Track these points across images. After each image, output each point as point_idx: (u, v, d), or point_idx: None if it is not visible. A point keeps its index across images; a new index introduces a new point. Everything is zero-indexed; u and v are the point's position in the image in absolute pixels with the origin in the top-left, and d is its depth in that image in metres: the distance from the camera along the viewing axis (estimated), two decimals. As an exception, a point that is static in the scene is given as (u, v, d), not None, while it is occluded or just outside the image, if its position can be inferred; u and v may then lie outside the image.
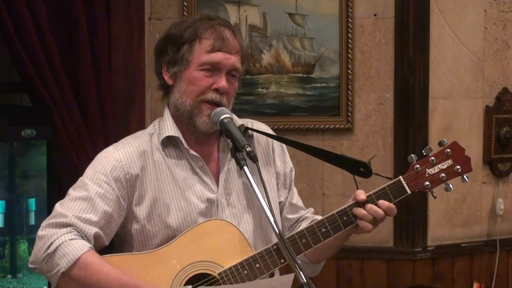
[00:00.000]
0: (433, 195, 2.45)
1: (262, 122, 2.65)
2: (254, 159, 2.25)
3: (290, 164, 2.64)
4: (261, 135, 2.56)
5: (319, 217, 2.47)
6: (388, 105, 3.99)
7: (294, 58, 3.98)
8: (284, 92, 3.99)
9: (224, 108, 2.41)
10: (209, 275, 2.36)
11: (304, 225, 2.54)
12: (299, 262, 2.28)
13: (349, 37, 3.94)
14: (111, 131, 3.64)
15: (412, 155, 2.44)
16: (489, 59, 4.10)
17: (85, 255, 2.31)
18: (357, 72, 3.97)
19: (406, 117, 3.97)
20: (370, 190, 2.41)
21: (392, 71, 3.98)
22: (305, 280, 2.10)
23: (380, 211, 2.39)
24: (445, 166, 2.43)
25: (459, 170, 2.43)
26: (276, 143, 2.61)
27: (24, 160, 3.90)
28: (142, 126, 3.73)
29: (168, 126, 2.47)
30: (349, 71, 3.95)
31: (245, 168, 2.25)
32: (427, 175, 2.42)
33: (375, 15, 3.97)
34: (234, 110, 2.48)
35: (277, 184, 2.59)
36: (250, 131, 2.52)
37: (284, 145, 2.62)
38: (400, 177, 2.43)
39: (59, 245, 2.31)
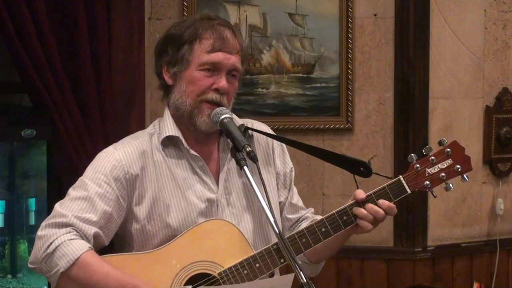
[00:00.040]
0: (433, 194, 2.44)
1: (262, 122, 2.65)
2: (254, 159, 2.25)
3: (290, 164, 2.63)
4: (261, 135, 2.56)
5: (319, 217, 2.47)
6: (388, 105, 3.99)
7: (294, 58, 3.98)
8: (284, 92, 3.99)
9: (224, 108, 2.41)
10: (209, 275, 2.36)
11: (304, 225, 2.53)
12: (299, 262, 2.28)
13: (349, 37, 3.93)
14: (111, 131, 3.64)
15: (412, 154, 2.43)
16: (489, 59, 4.10)
17: (84, 255, 2.31)
18: (357, 72, 3.97)
19: (406, 117, 3.97)
20: (370, 190, 2.41)
21: (392, 71, 3.98)
22: (305, 280, 2.10)
23: (380, 211, 2.38)
24: (445, 165, 2.43)
25: (459, 169, 2.42)
26: (276, 143, 2.61)
27: (24, 160, 3.90)
28: (142, 126, 3.73)
29: (168, 126, 2.47)
30: (349, 71, 3.94)
31: (245, 168, 2.25)
32: (427, 175, 2.42)
33: (375, 15, 3.97)
34: (234, 110, 2.47)
35: (277, 184, 2.59)
36: (250, 131, 2.52)
37: (284, 145, 2.62)
38: (400, 176, 2.42)
39: (59, 245, 2.31)
